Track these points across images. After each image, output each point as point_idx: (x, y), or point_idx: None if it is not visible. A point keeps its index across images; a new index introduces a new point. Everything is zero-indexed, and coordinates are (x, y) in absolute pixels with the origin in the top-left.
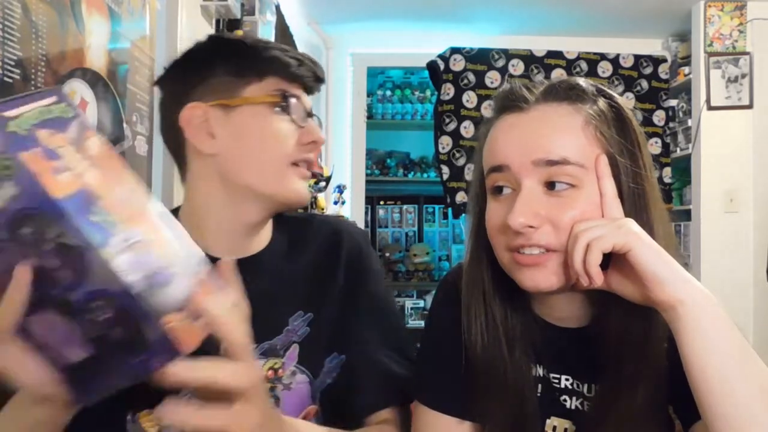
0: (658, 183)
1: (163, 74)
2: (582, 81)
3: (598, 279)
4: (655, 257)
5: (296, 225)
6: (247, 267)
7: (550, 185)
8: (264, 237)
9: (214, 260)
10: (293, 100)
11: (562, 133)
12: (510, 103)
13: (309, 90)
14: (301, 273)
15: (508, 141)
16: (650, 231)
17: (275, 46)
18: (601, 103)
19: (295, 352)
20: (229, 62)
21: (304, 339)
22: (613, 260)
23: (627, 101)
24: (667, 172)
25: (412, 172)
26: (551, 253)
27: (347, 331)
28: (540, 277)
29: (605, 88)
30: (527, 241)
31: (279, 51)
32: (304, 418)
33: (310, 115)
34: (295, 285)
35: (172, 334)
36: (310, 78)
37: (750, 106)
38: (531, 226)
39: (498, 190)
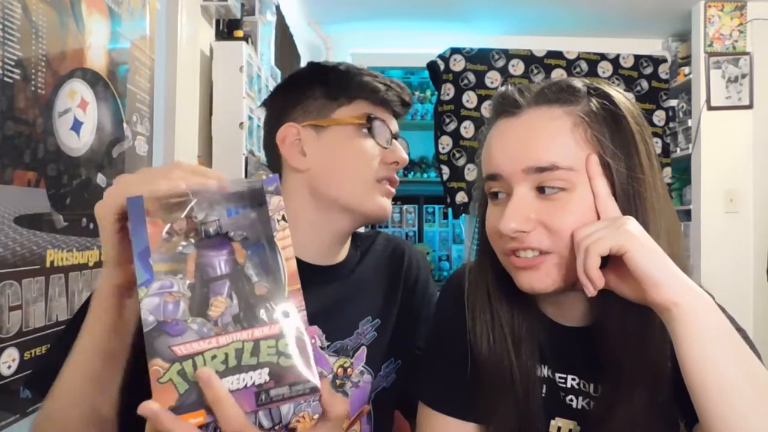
0: (662, 181)
1: (269, 96)
2: (576, 81)
3: (599, 282)
4: (650, 259)
5: (364, 240)
6: (332, 273)
7: (542, 189)
8: (346, 249)
9: (305, 265)
10: (377, 123)
11: (552, 138)
12: (503, 108)
13: (396, 114)
14: (370, 283)
15: (500, 149)
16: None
17: (366, 73)
18: (594, 103)
19: (363, 353)
20: (324, 86)
21: (371, 342)
22: (612, 259)
23: (627, 98)
24: (667, 172)
25: (412, 172)
26: (545, 255)
27: (405, 339)
28: (535, 279)
29: (602, 87)
30: (521, 244)
31: (369, 77)
32: (359, 416)
33: (395, 137)
34: (365, 293)
35: None
36: (397, 102)
37: (750, 106)
38: (523, 231)
39: (495, 195)
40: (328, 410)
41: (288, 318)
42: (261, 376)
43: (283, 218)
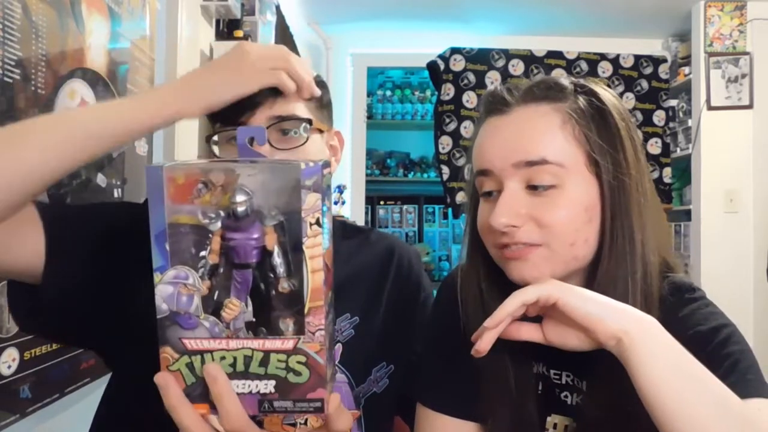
0: (653, 180)
1: None
2: (563, 79)
3: (485, 346)
4: (584, 300)
5: (356, 235)
6: None
7: (533, 187)
8: None
9: None
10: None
11: (541, 134)
12: (492, 107)
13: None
14: (354, 279)
15: (490, 145)
16: (630, 231)
17: None
18: (581, 100)
19: (338, 351)
20: None
21: (348, 341)
22: (546, 318)
23: (614, 95)
24: (667, 172)
25: (412, 172)
26: (535, 246)
27: (396, 342)
28: (525, 269)
29: (588, 84)
30: (511, 239)
31: None
32: None
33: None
34: (347, 289)
35: None
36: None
37: (750, 106)
38: (513, 226)
39: (486, 192)
40: (330, 424)
41: (303, 335)
42: (267, 386)
43: (317, 222)
